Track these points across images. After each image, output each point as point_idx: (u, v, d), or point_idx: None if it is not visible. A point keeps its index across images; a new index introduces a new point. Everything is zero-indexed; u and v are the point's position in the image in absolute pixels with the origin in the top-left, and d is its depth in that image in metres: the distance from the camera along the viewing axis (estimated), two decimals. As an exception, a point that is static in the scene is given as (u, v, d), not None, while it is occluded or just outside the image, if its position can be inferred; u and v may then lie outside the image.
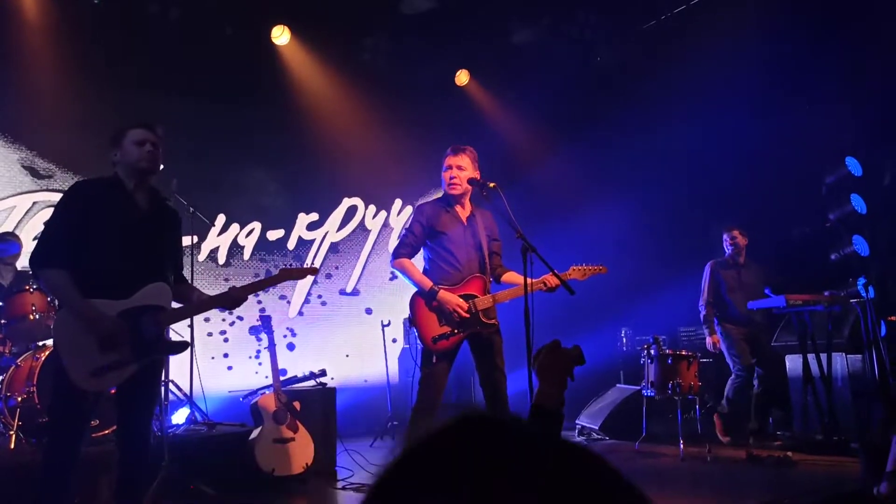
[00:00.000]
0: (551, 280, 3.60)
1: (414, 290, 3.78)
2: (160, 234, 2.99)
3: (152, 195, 3.02)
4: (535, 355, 1.68)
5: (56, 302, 4.24)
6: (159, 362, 3.06)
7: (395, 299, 7.27)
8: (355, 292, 7.46)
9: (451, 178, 3.79)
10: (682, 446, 4.95)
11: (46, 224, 2.91)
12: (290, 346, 6.84)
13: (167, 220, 3.09)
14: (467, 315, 3.63)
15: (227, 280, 6.54)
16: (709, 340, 5.67)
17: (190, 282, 3.39)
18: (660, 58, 6.97)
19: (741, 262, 5.81)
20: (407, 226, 3.98)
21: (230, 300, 3.03)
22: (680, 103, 6.90)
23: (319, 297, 7.24)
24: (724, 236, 5.87)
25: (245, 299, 3.05)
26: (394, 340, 7.14)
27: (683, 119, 6.92)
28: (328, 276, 7.33)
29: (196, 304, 3.10)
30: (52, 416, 2.94)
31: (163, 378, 3.13)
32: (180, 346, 3.13)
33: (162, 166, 3.06)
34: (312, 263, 7.19)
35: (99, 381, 2.73)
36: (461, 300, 3.64)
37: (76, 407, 2.76)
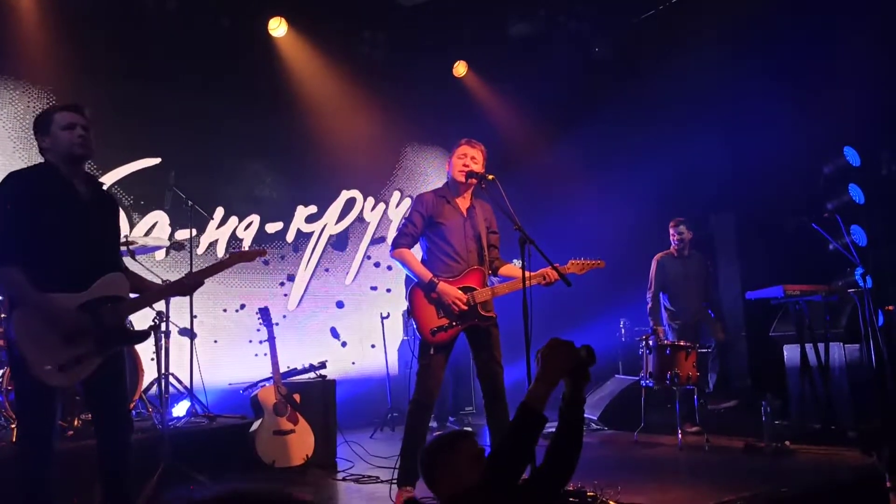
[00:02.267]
0: (550, 274, 3.62)
1: (412, 281, 3.79)
2: (105, 222, 2.95)
3: (88, 181, 2.94)
4: (537, 353, 1.68)
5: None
6: (121, 354, 2.98)
7: (394, 291, 7.29)
8: (354, 284, 7.47)
9: (463, 165, 3.80)
10: (680, 436, 4.98)
11: None
12: (289, 339, 6.85)
13: (107, 206, 3.03)
14: (466, 308, 3.64)
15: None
16: (655, 334, 5.71)
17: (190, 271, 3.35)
18: (657, 49, 6.96)
19: (686, 254, 6.06)
20: (406, 215, 3.98)
21: (186, 287, 3.05)
22: (677, 94, 6.89)
23: (318, 289, 7.25)
24: (671, 230, 6.10)
25: (201, 284, 3.06)
26: (391, 331, 7.16)
27: (681, 110, 6.91)
28: (326, 268, 7.34)
29: (155, 292, 3.11)
30: (22, 416, 2.87)
31: (126, 364, 3.04)
32: (142, 336, 3.10)
33: (163, 161, 3.03)
34: (311, 256, 7.21)
35: (66, 376, 2.68)
36: (460, 293, 3.66)
37: (44, 403, 2.70)
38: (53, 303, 2.68)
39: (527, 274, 3.32)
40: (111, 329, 2.79)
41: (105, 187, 3.09)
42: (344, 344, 7.23)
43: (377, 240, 7.65)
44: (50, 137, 2.83)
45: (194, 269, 3.22)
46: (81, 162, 2.89)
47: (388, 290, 7.52)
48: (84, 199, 2.87)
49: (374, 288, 7.55)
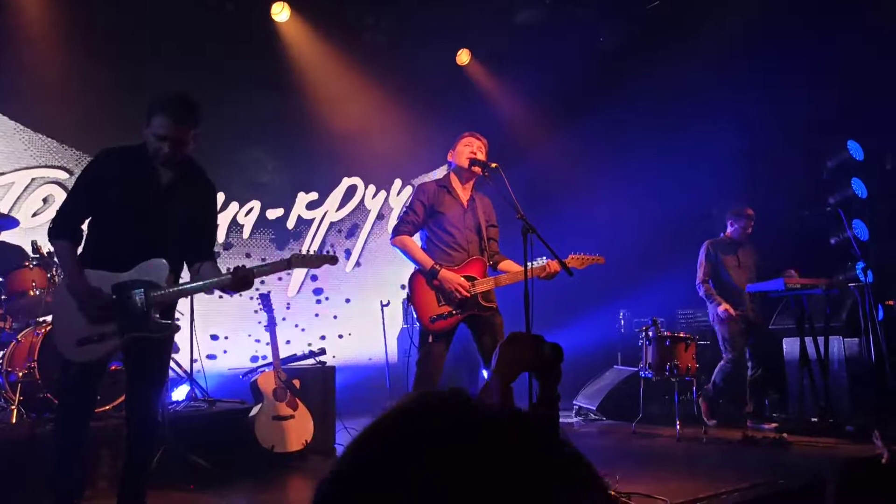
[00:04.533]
0: (550, 266, 3.62)
1: (413, 269, 3.79)
2: (179, 209, 2.86)
3: (184, 168, 2.91)
4: (499, 346, 1.65)
5: (56, 278, 4.29)
6: (167, 341, 2.95)
7: (395, 279, 7.28)
8: (354, 272, 7.47)
9: (470, 153, 3.82)
10: (678, 427, 4.99)
11: (67, 194, 2.93)
12: (290, 325, 6.85)
13: (194, 194, 2.95)
14: (468, 295, 3.64)
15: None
16: (721, 308, 5.47)
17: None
18: (663, 38, 6.92)
19: (738, 241, 5.73)
20: (408, 204, 3.99)
21: (235, 281, 2.81)
22: (682, 85, 6.86)
23: (318, 276, 7.24)
24: (742, 219, 5.69)
25: (252, 282, 2.85)
26: (391, 318, 7.16)
27: (685, 101, 6.88)
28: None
29: (195, 283, 2.93)
30: (58, 389, 3.02)
31: (171, 357, 3.08)
32: (167, 328, 2.91)
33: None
34: (312, 242, 7.19)
35: (81, 352, 2.70)
36: (463, 279, 3.66)
37: (69, 377, 2.76)
38: (79, 281, 2.72)
39: (518, 272, 3.33)
40: (133, 313, 2.74)
41: (202, 175, 3.03)
42: (343, 332, 7.23)
43: (377, 228, 7.63)
44: (146, 132, 2.82)
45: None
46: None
47: (389, 278, 7.50)
48: (163, 184, 2.86)
49: (375, 275, 7.54)
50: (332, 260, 3.20)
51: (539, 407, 1.76)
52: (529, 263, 3.25)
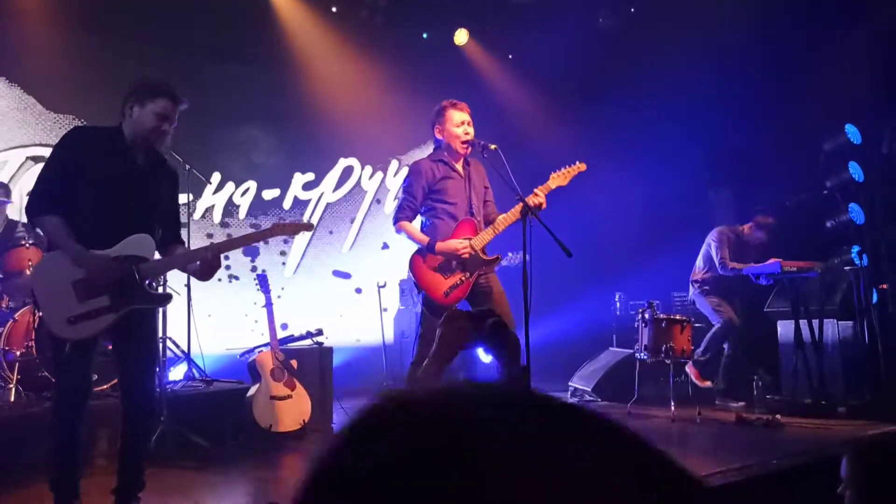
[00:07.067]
0: (533, 199, 3.61)
1: (412, 252, 3.80)
2: (153, 192, 2.93)
3: (150, 153, 2.96)
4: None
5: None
6: (152, 315, 2.99)
7: (391, 260, 7.28)
8: (351, 253, 7.46)
9: (465, 133, 3.78)
10: (673, 408, 5.03)
11: (41, 171, 2.86)
12: (287, 305, 6.85)
13: (163, 178, 3.01)
14: (469, 254, 3.62)
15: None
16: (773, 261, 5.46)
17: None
18: (662, 21, 6.87)
19: (753, 246, 5.85)
20: (405, 188, 3.95)
21: (209, 255, 2.89)
22: (681, 69, 6.82)
23: (316, 256, 7.23)
24: (762, 230, 5.83)
25: (220, 262, 2.92)
26: (387, 300, 7.17)
27: (683, 85, 6.84)
28: (326, 235, 7.31)
29: (178, 256, 3.00)
30: (53, 369, 2.97)
31: (160, 333, 3.10)
32: (161, 298, 3.01)
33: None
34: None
35: (74, 329, 2.69)
36: (459, 241, 3.65)
37: (64, 356, 2.73)
38: (87, 251, 2.70)
39: (516, 209, 3.35)
40: (127, 287, 2.77)
41: (167, 162, 3.08)
42: (340, 313, 7.24)
43: (374, 209, 7.62)
44: (140, 112, 2.82)
45: (191, 235, 3.18)
46: (149, 145, 2.90)
47: (385, 259, 7.49)
48: (137, 167, 2.88)
49: (372, 255, 7.54)
50: (308, 227, 3.38)
51: (507, 382, 1.73)
52: (517, 254, 3.25)
